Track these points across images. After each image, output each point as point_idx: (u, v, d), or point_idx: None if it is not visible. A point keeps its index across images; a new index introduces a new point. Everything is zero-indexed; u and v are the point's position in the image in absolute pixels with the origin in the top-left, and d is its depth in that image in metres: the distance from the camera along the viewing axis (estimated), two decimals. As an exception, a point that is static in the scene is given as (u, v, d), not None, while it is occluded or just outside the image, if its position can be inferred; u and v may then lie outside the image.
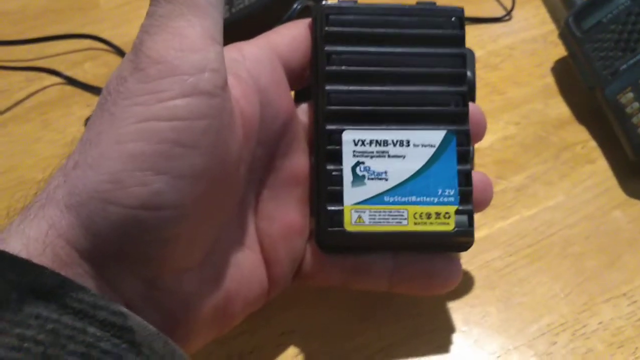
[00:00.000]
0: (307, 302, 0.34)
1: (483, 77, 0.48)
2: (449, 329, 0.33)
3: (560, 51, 0.48)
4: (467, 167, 0.28)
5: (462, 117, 0.28)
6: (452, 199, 0.28)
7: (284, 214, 0.27)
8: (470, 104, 0.30)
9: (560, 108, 0.45)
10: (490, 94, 0.46)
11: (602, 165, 0.41)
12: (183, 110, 0.20)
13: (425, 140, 0.28)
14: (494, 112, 0.45)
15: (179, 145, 0.20)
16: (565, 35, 0.46)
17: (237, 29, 0.39)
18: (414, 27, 0.28)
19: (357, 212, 0.27)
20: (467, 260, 0.36)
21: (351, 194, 0.27)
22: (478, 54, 0.50)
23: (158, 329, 0.20)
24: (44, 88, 0.46)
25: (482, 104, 0.45)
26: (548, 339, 0.33)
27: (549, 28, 0.52)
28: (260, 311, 0.29)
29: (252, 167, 0.26)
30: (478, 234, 0.37)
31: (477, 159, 0.42)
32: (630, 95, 0.40)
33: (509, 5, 0.54)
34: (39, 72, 0.47)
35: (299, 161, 0.28)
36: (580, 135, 0.43)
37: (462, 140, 0.28)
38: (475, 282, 0.35)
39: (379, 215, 0.27)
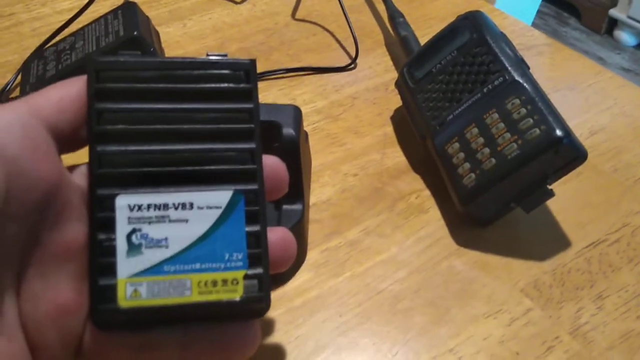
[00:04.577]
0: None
1: (325, 128, 0.48)
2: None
3: (400, 99, 0.48)
4: (257, 227, 0.26)
5: (250, 175, 0.27)
6: (240, 263, 0.26)
7: (54, 292, 0.25)
8: (270, 157, 0.28)
9: (397, 157, 0.45)
10: (330, 146, 0.46)
11: (434, 214, 0.41)
12: None
13: (210, 202, 0.26)
14: (334, 164, 0.45)
15: None
16: (400, 85, 0.47)
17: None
18: (197, 81, 0.26)
19: (133, 285, 0.25)
20: (298, 324, 0.35)
21: (126, 266, 0.25)
22: (322, 104, 0.50)
23: None
24: None
25: (322, 155, 0.45)
26: (374, 403, 0.32)
27: (392, 76, 0.53)
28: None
29: (4, 246, 0.23)
30: (309, 295, 0.37)
31: (315, 214, 0.41)
32: (457, 145, 0.40)
33: (354, 54, 0.54)
34: None
35: (72, 232, 0.25)
36: (415, 184, 0.43)
37: (252, 200, 0.26)
38: (305, 349, 0.34)
39: (159, 286, 0.25)
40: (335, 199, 0.42)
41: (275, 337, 0.35)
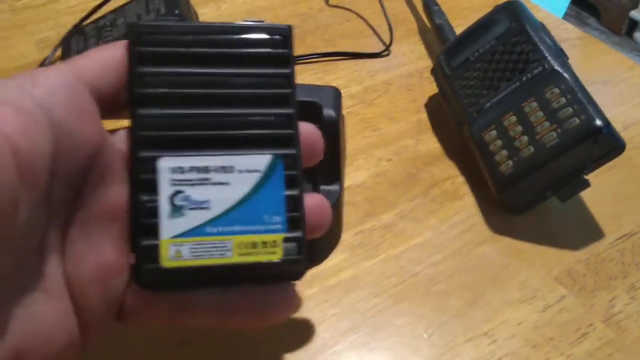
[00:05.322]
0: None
1: (359, 112, 0.48)
2: (309, 377, 0.32)
3: (434, 87, 0.48)
4: (296, 192, 0.27)
5: (288, 140, 0.27)
6: (279, 226, 0.26)
7: (97, 253, 0.25)
8: (305, 124, 0.28)
9: (431, 144, 0.46)
10: (364, 130, 0.46)
11: (469, 201, 0.42)
12: None
13: (250, 166, 0.26)
14: (368, 149, 0.45)
15: None
16: (436, 72, 0.47)
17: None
18: (235, 46, 0.27)
19: (175, 245, 0.25)
20: (332, 303, 0.36)
21: (169, 227, 0.25)
22: (356, 89, 0.50)
23: None
24: None
25: (356, 140, 0.45)
26: (409, 382, 0.33)
27: (426, 63, 0.53)
28: None
29: (50, 207, 0.24)
30: (343, 275, 0.37)
31: (349, 197, 0.42)
32: (494, 133, 0.40)
33: (387, 40, 0.54)
34: None
35: (113, 195, 0.25)
36: (449, 171, 0.44)
37: (290, 164, 0.27)
38: (339, 327, 0.34)
39: (200, 247, 0.25)
40: (369, 182, 0.43)
41: (310, 315, 0.35)
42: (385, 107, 0.48)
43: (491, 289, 0.37)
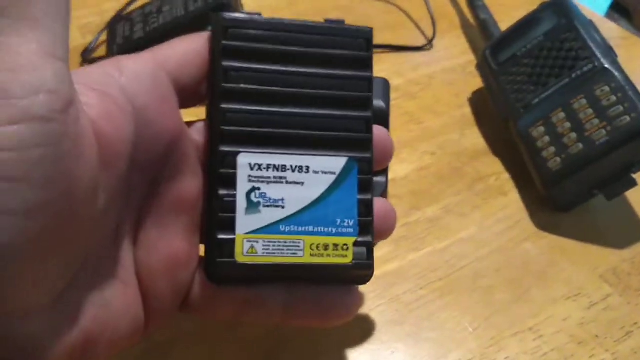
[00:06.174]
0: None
1: (402, 105, 0.48)
2: (356, 366, 0.33)
3: (478, 82, 0.48)
4: (368, 196, 0.27)
5: (365, 144, 0.27)
6: (351, 229, 0.26)
7: (168, 243, 0.25)
8: (378, 128, 0.28)
9: (475, 139, 0.46)
10: (408, 123, 0.46)
11: (514, 197, 0.42)
12: (9, 139, 0.17)
13: (326, 167, 0.26)
14: (411, 142, 0.45)
15: (2, 180, 0.18)
16: (482, 66, 0.47)
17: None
18: (319, 46, 0.27)
19: (250, 241, 0.25)
20: (378, 294, 0.36)
21: (244, 222, 0.25)
22: (398, 82, 0.50)
23: None
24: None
25: (400, 133, 0.45)
26: (455, 375, 0.33)
27: (469, 58, 0.53)
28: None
29: (128, 194, 0.24)
30: (389, 267, 0.37)
31: (393, 190, 0.42)
32: (542, 129, 0.40)
33: (430, 35, 0.54)
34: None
35: (187, 185, 0.25)
36: (494, 166, 0.44)
37: (364, 169, 0.27)
38: (385, 317, 0.35)
39: (274, 245, 0.25)
40: (414, 176, 0.43)
41: (357, 305, 0.35)
42: (428, 101, 0.48)
43: (536, 285, 0.37)
